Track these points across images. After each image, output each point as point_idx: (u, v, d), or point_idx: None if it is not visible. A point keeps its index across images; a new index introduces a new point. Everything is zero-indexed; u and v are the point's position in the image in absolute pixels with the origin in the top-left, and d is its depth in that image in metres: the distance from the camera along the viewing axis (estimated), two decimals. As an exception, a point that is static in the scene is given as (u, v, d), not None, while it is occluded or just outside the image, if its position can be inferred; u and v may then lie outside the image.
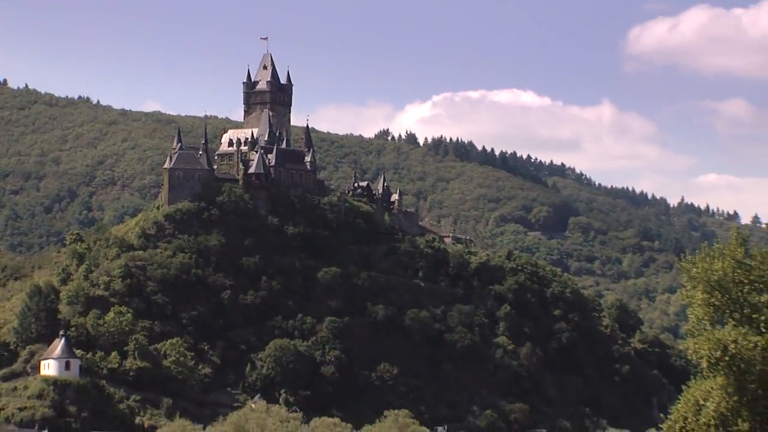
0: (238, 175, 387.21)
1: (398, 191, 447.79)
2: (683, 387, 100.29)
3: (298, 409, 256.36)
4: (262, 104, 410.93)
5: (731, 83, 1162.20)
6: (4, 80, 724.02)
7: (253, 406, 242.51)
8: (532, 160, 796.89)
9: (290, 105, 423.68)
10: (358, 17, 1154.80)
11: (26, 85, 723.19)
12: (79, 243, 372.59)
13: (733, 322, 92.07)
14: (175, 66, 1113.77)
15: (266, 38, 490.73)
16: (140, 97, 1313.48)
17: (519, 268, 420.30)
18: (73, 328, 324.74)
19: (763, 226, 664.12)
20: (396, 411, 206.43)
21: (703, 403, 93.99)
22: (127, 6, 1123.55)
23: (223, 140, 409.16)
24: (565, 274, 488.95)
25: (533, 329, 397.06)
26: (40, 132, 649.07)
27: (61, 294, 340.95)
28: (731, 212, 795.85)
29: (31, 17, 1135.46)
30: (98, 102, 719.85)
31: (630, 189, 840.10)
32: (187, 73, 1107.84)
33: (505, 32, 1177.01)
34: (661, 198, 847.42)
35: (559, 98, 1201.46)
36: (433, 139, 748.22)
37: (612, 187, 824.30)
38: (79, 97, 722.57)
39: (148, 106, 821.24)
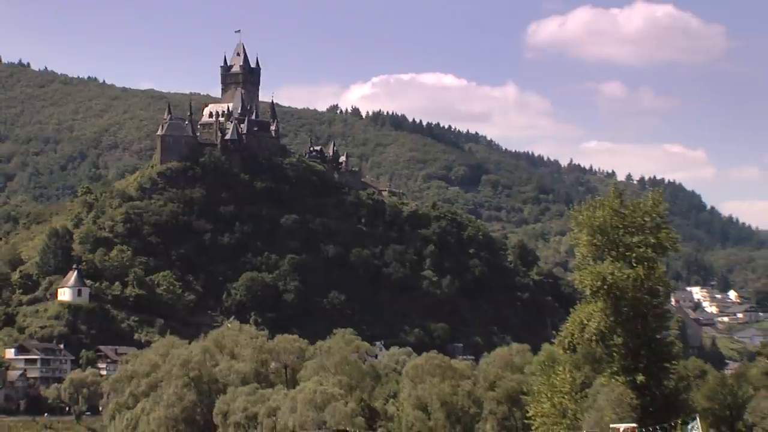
0: (217, 140, 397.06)
1: (345, 154, 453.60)
2: (571, 310, 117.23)
3: (264, 328, 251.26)
4: (236, 84, 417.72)
5: (609, 68, 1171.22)
6: (28, 63, 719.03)
7: (228, 325, 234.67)
8: (452, 130, 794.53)
9: (258, 84, 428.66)
10: (314, 14, 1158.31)
11: (45, 68, 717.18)
12: (88, 195, 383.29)
13: (611, 259, 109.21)
14: (167, 52, 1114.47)
15: (239, 31, 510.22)
16: (138, 77, 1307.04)
17: (441, 215, 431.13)
18: (83, 263, 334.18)
19: (635, 182, 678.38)
20: (343, 329, 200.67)
21: (586, 322, 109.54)
22: (129, 5, 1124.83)
23: (204, 113, 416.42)
24: (478, 220, 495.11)
25: (452, 264, 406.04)
26: (57, 105, 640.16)
27: (74, 235, 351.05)
28: (609, 171, 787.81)
29: (49, 9, 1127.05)
30: (104, 81, 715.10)
31: (530, 153, 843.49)
32: (176, 58, 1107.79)
33: (430, 26, 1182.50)
34: (554, 160, 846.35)
35: (473, 80, 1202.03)
36: (373, 113, 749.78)
37: (515, 151, 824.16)
38: (89, 77, 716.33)
39: (144, 85, 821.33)
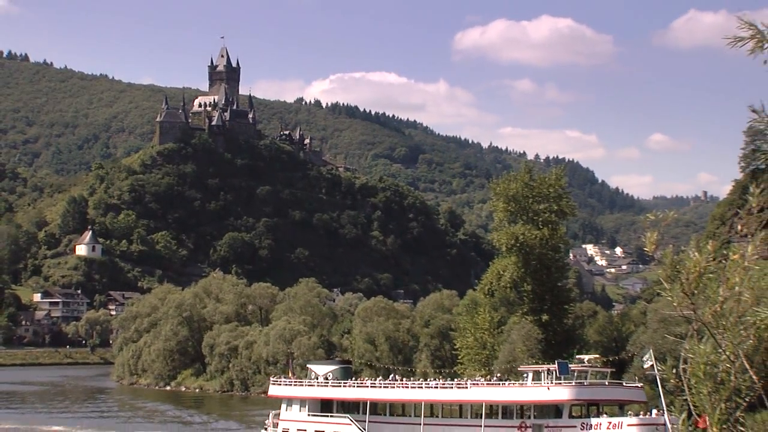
0: (205, 126, 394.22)
1: (309, 137, 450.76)
2: (490, 263, 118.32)
3: (243, 277, 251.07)
4: (220, 80, 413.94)
5: (520, 69, 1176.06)
6: (51, 62, 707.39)
7: (214, 275, 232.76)
8: (395, 118, 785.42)
9: (238, 81, 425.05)
10: (283, 24, 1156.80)
11: (65, 66, 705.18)
12: (100, 169, 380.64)
13: (522, 222, 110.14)
14: (164, 54, 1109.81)
15: (223, 37, 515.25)
16: (140, 74, 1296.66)
17: (386, 187, 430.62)
18: (96, 224, 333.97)
19: (542, 161, 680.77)
20: (307, 278, 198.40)
21: (502, 273, 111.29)
22: (134, 17, 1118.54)
23: (195, 103, 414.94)
24: (416, 191, 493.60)
25: (395, 226, 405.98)
26: (75, 97, 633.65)
27: (89, 202, 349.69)
28: (521, 152, 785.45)
29: (69, 18, 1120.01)
30: (113, 77, 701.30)
31: (457, 136, 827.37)
32: (172, 58, 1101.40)
33: (377, 34, 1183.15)
34: (477, 142, 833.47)
35: (411, 78, 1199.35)
36: (331, 104, 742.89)
37: (446, 135, 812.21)
38: (100, 74, 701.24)
39: (145, 80, 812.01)
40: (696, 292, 4.77)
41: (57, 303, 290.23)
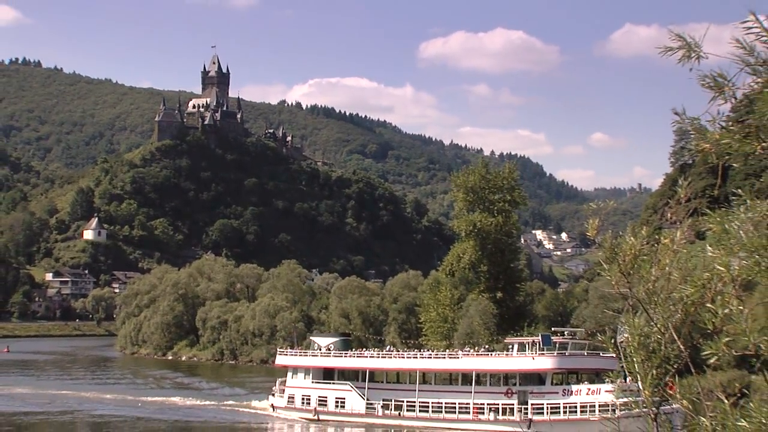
0: (198, 125, 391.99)
1: (291, 135, 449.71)
2: (451, 247, 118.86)
3: (233, 260, 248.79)
4: (212, 84, 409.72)
5: (478, 75, 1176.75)
6: (61, 68, 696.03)
7: (206, 257, 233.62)
8: (367, 118, 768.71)
9: (228, 85, 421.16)
10: (267, 34, 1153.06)
11: (74, 71, 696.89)
12: (105, 163, 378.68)
13: (479, 210, 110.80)
14: (162, 61, 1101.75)
15: (215, 46, 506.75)
16: (141, 78, 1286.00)
17: (359, 180, 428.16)
18: (102, 212, 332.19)
19: (497, 156, 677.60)
20: (289, 260, 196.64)
21: (461, 255, 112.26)
22: (135, 28, 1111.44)
23: (189, 105, 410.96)
24: (386, 183, 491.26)
25: (367, 214, 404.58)
26: (82, 98, 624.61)
27: (95, 192, 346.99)
28: (479, 148, 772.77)
29: (77, 29, 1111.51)
30: (116, 81, 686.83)
31: (422, 135, 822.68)
32: (169, 65, 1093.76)
33: (351, 45, 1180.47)
34: (440, 140, 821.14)
35: (381, 83, 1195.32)
36: (311, 105, 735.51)
37: (412, 133, 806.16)
38: (105, 78, 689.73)
39: (145, 84, 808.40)
40: (631, 272, 4.94)
41: (66, 282, 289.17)
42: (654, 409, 5.03)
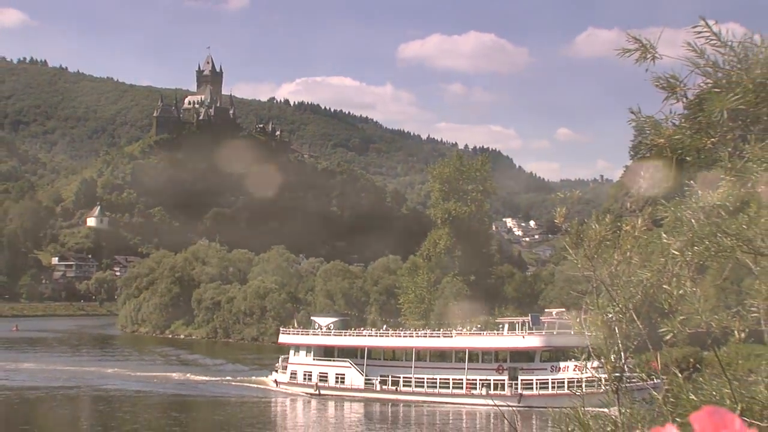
0: (194, 120, 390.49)
1: (280, 130, 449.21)
2: (428, 233, 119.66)
3: (225, 245, 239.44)
4: (206, 82, 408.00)
5: (453, 75, 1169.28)
6: (66, 67, 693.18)
7: (201, 243, 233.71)
8: (350, 114, 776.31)
9: (221, 83, 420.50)
10: (258, 37, 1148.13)
11: (78, 70, 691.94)
12: (107, 155, 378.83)
13: (454, 200, 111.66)
14: (160, 60, 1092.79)
15: (209, 47, 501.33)
16: (141, 77, 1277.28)
17: (343, 171, 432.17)
18: (104, 200, 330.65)
19: (470, 150, 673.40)
20: (277, 245, 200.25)
21: (438, 241, 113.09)
22: (136, 30, 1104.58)
23: (185, 102, 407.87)
24: (367, 174, 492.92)
25: (351, 203, 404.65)
26: (86, 95, 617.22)
27: (98, 182, 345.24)
28: (453, 142, 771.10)
29: (82, 31, 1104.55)
30: (117, 79, 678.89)
31: (402, 130, 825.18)
32: (167, 64, 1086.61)
33: (335, 45, 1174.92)
34: (418, 135, 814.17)
35: (364, 81, 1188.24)
36: (298, 102, 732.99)
37: (392, 128, 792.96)
38: (107, 76, 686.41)
39: (145, 82, 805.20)
40: (595, 256, 5.04)
41: (71, 265, 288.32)
42: (615, 383, 5.18)
